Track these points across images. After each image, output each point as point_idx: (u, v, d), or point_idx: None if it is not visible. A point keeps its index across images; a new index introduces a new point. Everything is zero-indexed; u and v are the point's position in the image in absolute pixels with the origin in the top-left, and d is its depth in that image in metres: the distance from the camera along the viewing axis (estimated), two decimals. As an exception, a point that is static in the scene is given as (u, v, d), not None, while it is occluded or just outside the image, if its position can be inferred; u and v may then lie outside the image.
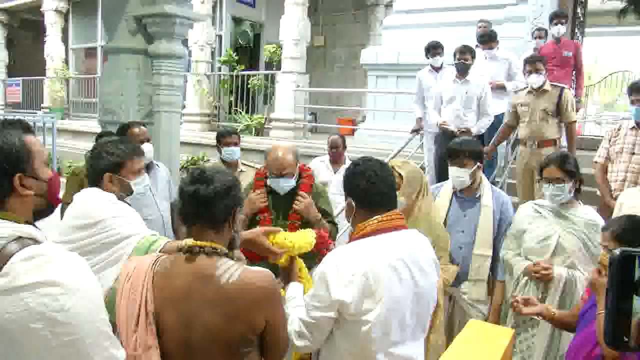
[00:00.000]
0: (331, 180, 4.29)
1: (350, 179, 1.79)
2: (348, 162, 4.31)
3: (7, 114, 11.09)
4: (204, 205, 1.53)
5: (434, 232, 2.50)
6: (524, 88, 4.54)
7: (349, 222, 1.85)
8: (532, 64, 4.36)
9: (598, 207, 3.90)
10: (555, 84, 4.49)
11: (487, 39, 5.35)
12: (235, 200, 1.59)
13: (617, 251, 0.47)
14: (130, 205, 2.18)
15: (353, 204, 1.77)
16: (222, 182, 1.55)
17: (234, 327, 1.48)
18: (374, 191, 1.73)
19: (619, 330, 0.47)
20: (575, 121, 4.45)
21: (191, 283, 1.50)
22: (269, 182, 2.69)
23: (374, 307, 1.59)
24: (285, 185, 2.64)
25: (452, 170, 2.78)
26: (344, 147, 4.46)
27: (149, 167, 3.12)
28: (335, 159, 4.41)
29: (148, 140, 3.07)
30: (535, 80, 4.31)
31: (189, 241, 1.57)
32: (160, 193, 3.15)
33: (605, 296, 0.48)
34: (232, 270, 1.50)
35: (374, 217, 1.71)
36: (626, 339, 0.47)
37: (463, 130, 4.53)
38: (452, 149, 2.80)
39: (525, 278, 2.59)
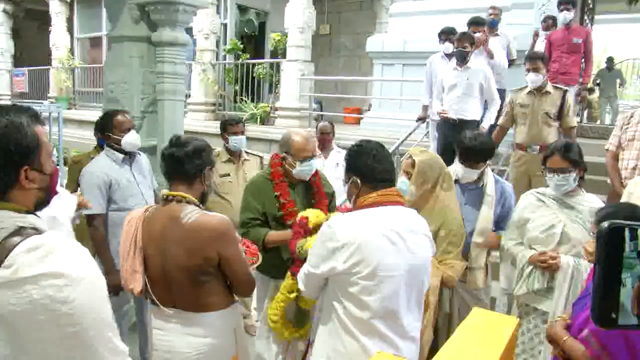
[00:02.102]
0: (323, 166, 4.25)
1: (355, 157, 1.91)
2: (336, 149, 4.27)
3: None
4: (177, 164, 1.97)
5: (448, 226, 2.46)
6: (524, 87, 4.32)
7: (350, 200, 1.98)
8: (533, 61, 4.14)
9: (608, 196, 3.85)
10: (557, 85, 4.31)
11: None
12: (205, 160, 2.00)
13: (606, 224, 0.45)
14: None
15: (358, 180, 1.88)
16: (193, 146, 1.97)
17: (193, 259, 1.87)
18: (379, 167, 1.86)
19: (606, 307, 0.44)
20: (575, 127, 4.25)
21: (165, 224, 1.93)
22: (297, 170, 2.57)
23: (363, 271, 1.70)
24: (315, 166, 2.62)
25: (463, 170, 2.73)
26: (333, 134, 4.41)
27: (133, 156, 3.06)
28: (324, 146, 4.35)
29: (133, 128, 3.01)
30: (534, 79, 4.11)
31: (165, 191, 2.01)
32: (145, 182, 3.11)
33: (592, 271, 0.46)
34: (192, 214, 1.89)
35: (376, 191, 1.83)
36: (614, 316, 0.45)
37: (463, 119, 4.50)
38: (466, 149, 2.70)
39: (530, 267, 2.55)
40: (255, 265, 2.30)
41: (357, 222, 1.78)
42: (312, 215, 2.34)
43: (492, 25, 5.52)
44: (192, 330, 1.96)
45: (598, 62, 10.25)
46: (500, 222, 2.79)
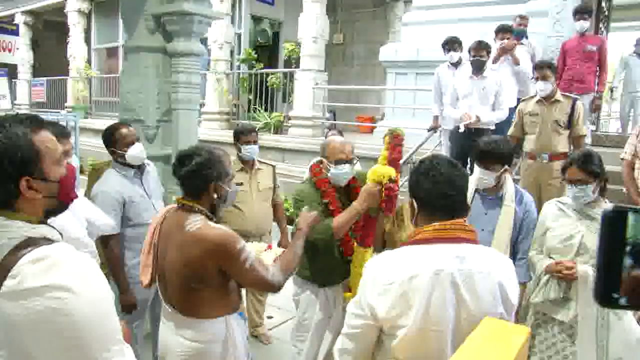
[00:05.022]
0: None
1: (413, 178, 1.64)
2: None
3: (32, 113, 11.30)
4: (180, 181, 2.03)
5: None
6: (533, 96, 4.31)
7: (411, 223, 1.71)
8: (540, 70, 4.13)
9: (623, 205, 3.80)
10: (566, 94, 4.29)
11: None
12: (208, 177, 1.99)
13: (610, 207, 0.47)
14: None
15: (415, 205, 1.63)
16: (195, 163, 1.97)
17: (187, 267, 1.90)
18: (436, 193, 1.56)
19: (608, 287, 0.46)
20: (585, 135, 4.22)
21: (171, 227, 2.01)
22: (332, 172, 2.61)
23: (406, 324, 1.44)
24: (351, 171, 2.63)
25: (478, 172, 2.70)
26: None
27: (141, 169, 3.01)
28: None
29: (138, 140, 2.97)
30: (542, 87, 4.10)
31: (176, 197, 2.11)
32: (155, 194, 3.08)
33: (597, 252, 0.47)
34: (195, 223, 1.92)
35: (432, 224, 1.54)
36: (616, 296, 0.46)
37: (475, 121, 4.46)
38: (481, 150, 2.70)
39: (547, 276, 2.53)
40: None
41: (403, 263, 1.50)
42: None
43: (518, 35, 5.49)
44: (181, 332, 2.00)
45: (614, 71, 9.41)
46: (521, 234, 2.73)
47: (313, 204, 2.58)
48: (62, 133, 2.32)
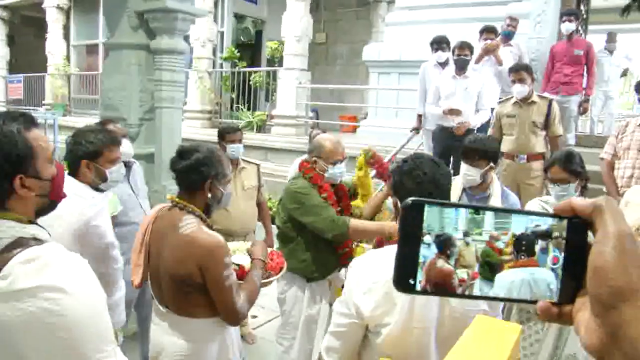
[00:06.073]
0: None
1: (396, 177, 1.63)
2: None
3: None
4: (178, 175, 2.01)
5: None
6: (509, 98, 4.38)
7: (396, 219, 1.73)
8: (516, 72, 4.20)
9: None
10: (542, 95, 4.37)
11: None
12: (205, 174, 1.96)
13: (410, 200, 0.50)
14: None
15: (397, 202, 1.63)
16: (194, 159, 1.95)
17: (178, 269, 1.90)
18: (420, 193, 1.53)
19: (405, 274, 0.49)
20: (560, 135, 4.32)
21: (165, 227, 1.99)
22: (330, 173, 2.70)
23: (390, 322, 1.45)
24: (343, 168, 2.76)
25: (464, 168, 2.74)
26: None
27: (129, 167, 3.00)
28: None
29: (125, 137, 2.96)
30: (520, 90, 4.17)
31: (169, 196, 2.07)
32: (141, 193, 3.07)
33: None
34: (189, 225, 1.90)
35: None
36: (412, 282, 0.49)
37: (461, 124, 4.50)
38: (466, 147, 2.74)
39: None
40: (272, 280, 2.27)
41: (386, 262, 1.47)
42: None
43: (506, 36, 5.57)
44: (176, 332, 1.99)
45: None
46: None
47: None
48: (113, 141, 2.36)
